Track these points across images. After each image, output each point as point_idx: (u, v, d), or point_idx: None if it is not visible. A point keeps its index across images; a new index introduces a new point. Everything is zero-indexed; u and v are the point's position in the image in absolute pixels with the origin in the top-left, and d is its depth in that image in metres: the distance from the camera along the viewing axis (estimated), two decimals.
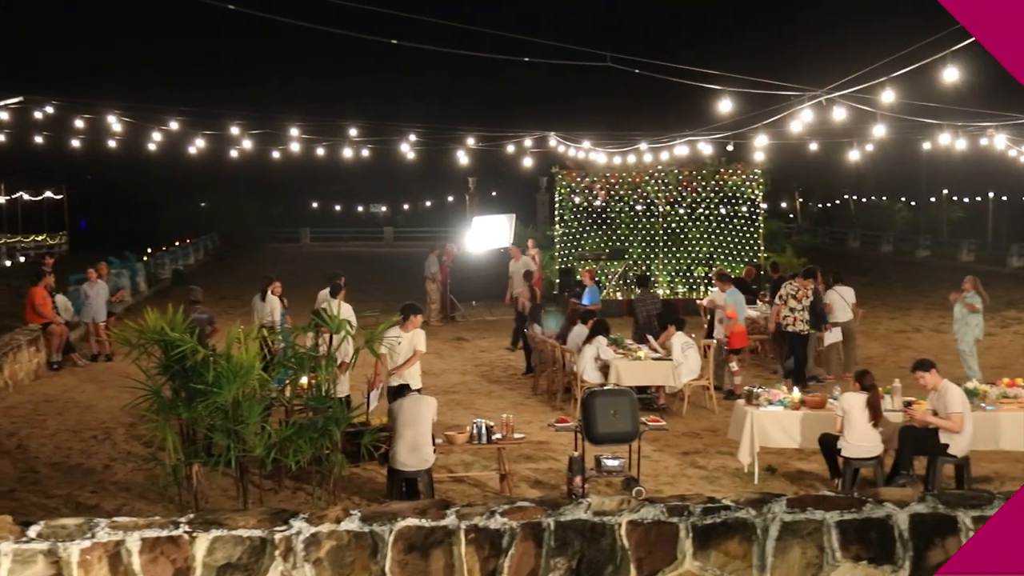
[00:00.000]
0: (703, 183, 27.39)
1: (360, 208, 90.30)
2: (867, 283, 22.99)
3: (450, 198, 73.67)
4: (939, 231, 60.13)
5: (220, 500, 10.51)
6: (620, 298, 26.91)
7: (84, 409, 15.38)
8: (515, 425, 11.52)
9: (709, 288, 17.76)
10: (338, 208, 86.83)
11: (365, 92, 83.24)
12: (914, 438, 10.71)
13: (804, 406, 11.53)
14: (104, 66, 74.10)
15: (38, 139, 27.02)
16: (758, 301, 20.17)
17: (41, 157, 40.40)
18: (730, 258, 26.83)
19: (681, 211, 27.55)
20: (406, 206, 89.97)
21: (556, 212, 28.20)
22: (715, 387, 15.71)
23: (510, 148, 30.65)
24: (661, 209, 27.52)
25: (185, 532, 4.07)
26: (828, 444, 10.89)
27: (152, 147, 26.66)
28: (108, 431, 13.84)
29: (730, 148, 28.40)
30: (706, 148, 27.01)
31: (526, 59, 21.70)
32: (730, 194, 27.41)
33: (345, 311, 13.64)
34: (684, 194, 27.51)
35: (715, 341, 16.04)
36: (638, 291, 18.87)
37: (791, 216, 72.24)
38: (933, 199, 68.37)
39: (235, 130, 26.41)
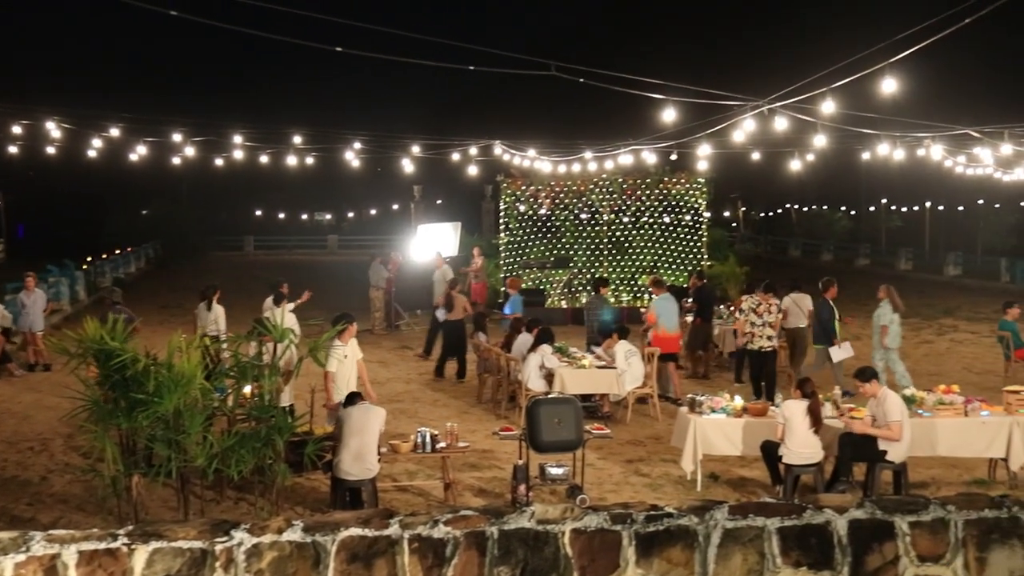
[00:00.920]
0: (647, 192, 27.58)
1: (304, 216, 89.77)
2: (808, 292, 23.23)
3: (395, 206, 73.51)
4: (878, 240, 61.10)
5: (160, 511, 10.38)
6: (565, 306, 27.01)
7: (20, 420, 15.11)
8: (460, 434, 11.50)
9: (652, 296, 17.89)
10: (282, 216, 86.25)
11: (310, 99, 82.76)
12: (853, 445, 10.85)
13: (746, 414, 11.63)
14: (41, 70, 73.06)
15: None
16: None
17: None
18: (674, 266, 27.03)
19: (625, 219, 27.72)
20: (351, 214, 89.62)
21: (501, 220, 28.24)
22: (659, 395, 15.82)
23: (455, 156, 30.64)
24: (606, 217, 27.67)
25: (123, 544, 4.01)
26: (770, 451, 11.00)
27: (93, 153, 26.30)
28: (45, 442, 13.61)
29: (674, 157, 28.60)
30: (650, 157, 27.21)
31: (471, 67, 21.73)
32: (674, 203, 27.63)
33: (289, 320, 13.54)
34: (628, 203, 27.68)
35: (657, 350, 16.11)
36: (592, 294, 18.89)
37: (734, 225, 73.03)
38: (872, 208, 69.47)
39: (178, 137, 26.13)
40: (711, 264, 28.51)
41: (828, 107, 18.92)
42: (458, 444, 11.23)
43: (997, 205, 57.99)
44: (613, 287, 27.30)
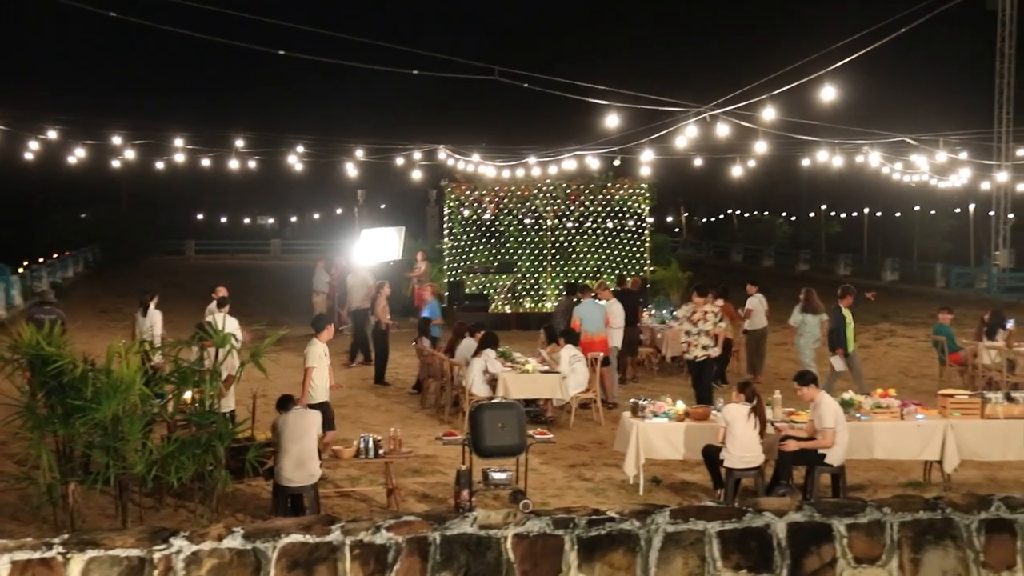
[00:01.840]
0: (591, 197, 27.70)
1: (247, 220, 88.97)
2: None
3: (339, 210, 73.08)
4: (818, 246, 61.91)
5: (98, 520, 10.22)
6: (509, 311, 27.05)
7: None
8: (403, 439, 11.47)
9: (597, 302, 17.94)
10: (224, 220, 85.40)
11: (252, 103, 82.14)
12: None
13: (688, 418, 11.71)
14: None
15: None
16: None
17: None
18: (617, 271, 27.17)
19: (569, 225, 27.82)
20: (294, 218, 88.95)
21: (445, 225, 28.21)
22: (602, 400, 15.89)
23: (399, 161, 30.60)
24: (549, 223, 27.75)
25: (59, 553, 3.95)
26: (711, 455, 11.08)
27: (29, 156, 25.88)
28: None
29: (617, 163, 28.84)
30: (594, 162, 27.40)
31: (415, 72, 21.73)
32: (617, 208, 27.77)
33: (230, 324, 13.42)
34: (572, 208, 27.78)
35: (600, 354, 16.16)
36: (563, 299, 18.91)
37: (676, 230, 73.55)
38: (812, 214, 70.37)
39: (117, 140, 25.81)
40: (653, 269, 28.71)
41: (769, 114, 19.19)
42: (401, 449, 11.20)
43: (932, 211, 59.06)
44: (557, 292, 27.38)
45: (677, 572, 4.20)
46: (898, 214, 65.65)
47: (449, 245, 27.77)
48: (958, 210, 56.38)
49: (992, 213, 38.37)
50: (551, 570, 4.18)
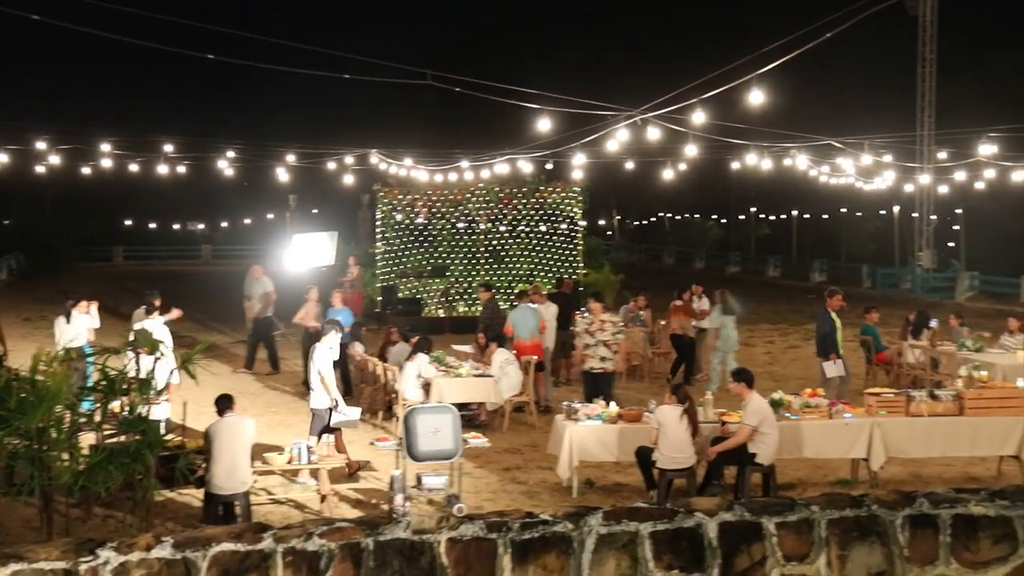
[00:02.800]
0: (523, 201, 27.76)
1: (177, 226, 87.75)
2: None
3: (270, 215, 72.36)
4: (748, 248, 62.70)
5: (22, 532, 10.01)
6: (442, 315, 27.01)
7: None
8: (336, 445, 11.40)
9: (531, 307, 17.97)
10: (153, 225, 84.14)
11: (181, 107, 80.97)
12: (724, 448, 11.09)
13: (621, 420, 11.78)
14: None
15: None
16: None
17: None
18: (550, 275, 27.25)
19: (502, 228, 27.85)
20: (224, 223, 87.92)
21: (378, 229, 28.08)
22: (536, 403, 15.93)
23: (331, 165, 30.42)
24: (482, 226, 27.76)
25: None
26: (644, 456, 11.17)
27: None
28: None
29: (549, 166, 28.95)
30: (526, 166, 27.47)
31: (346, 76, 21.63)
32: (550, 212, 27.86)
33: (160, 331, 13.24)
34: (505, 212, 27.82)
35: (534, 357, 16.19)
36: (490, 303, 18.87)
37: (609, 233, 74.02)
38: (742, 217, 71.25)
39: (41, 145, 25.32)
40: (586, 272, 28.85)
41: (699, 118, 19.38)
42: (335, 455, 11.13)
43: (859, 213, 60.13)
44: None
45: (610, 573, 4.23)
46: (825, 216, 66.73)
47: (382, 249, 27.65)
48: (883, 212, 57.49)
49: (915, 215, 39.16)
50: (485, 574, 4.19)
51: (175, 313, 16.25)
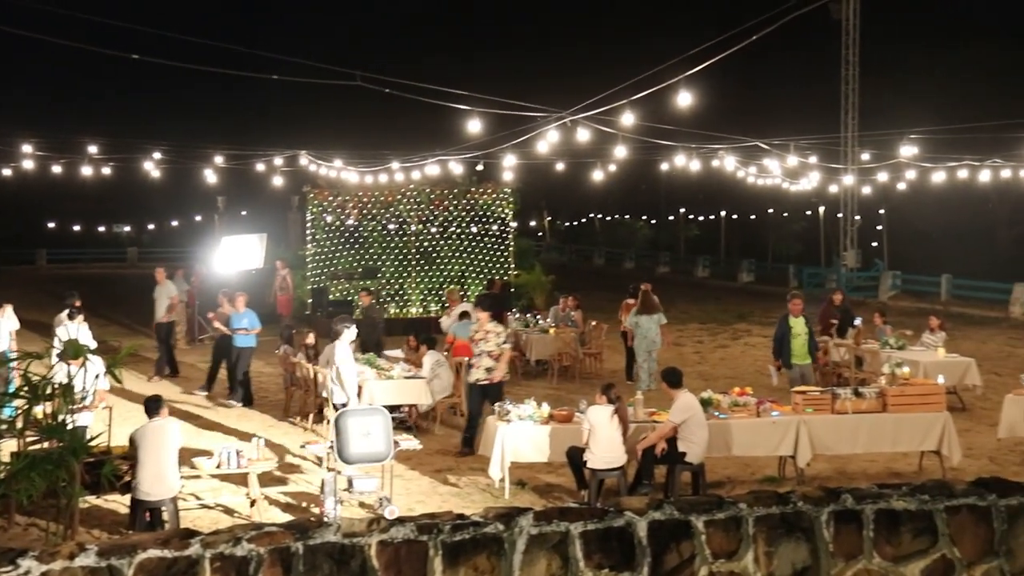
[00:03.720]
0: (454, 202, 27.76)
1: (102, 228, 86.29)
2: (613, 299, 23.92)
3: (198, 218, 71.48)
4: (677, 248, 63.33)
5: None
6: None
7: None
8: (266, 448, 11.30)
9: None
10: (78, 228, 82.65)
11: (106, 108, 79.68)
12: (654, 448, 11.18)
13: (552, 420, 11.83)
14: None
15: None
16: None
17: None
18: (482, 276, 27.29)
19: (433, 230, 27.83)
20: (151, 226, 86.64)
21: (308, 231, 27.89)
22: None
23: (260, 167, 30.13)
24: (413, 228, 27.70)
25: None
26: (575, 457, 11.22)
27: None
28: None
29: (480, 168, 28.98)
30: (457, 168, 27.47)
31: (275, 76, 21.44)
32: (481, 213, 27.90)
33: (84, 335, 13.02)
34: (436, 213, 27.80)
35: (466, 359, 16.15)
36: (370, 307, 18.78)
37: (540, 234, 74.25)
38: (671, 217, 71.91)
39: None
40: (517, 273, 28.92)
41: (628, 119, 19.53)
42: (264, 459, 11.03)
43: (785, 214, 61.02)
44: (421, 297, 27.38)
45: (541, 573, 4.25)
46: (753, 216, 67.60)
47: (312, 251, 27.46)
48: (809, 212, 58.39)
49: (840, 215, 39.85)
50: None
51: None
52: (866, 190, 38.15)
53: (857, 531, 4.54)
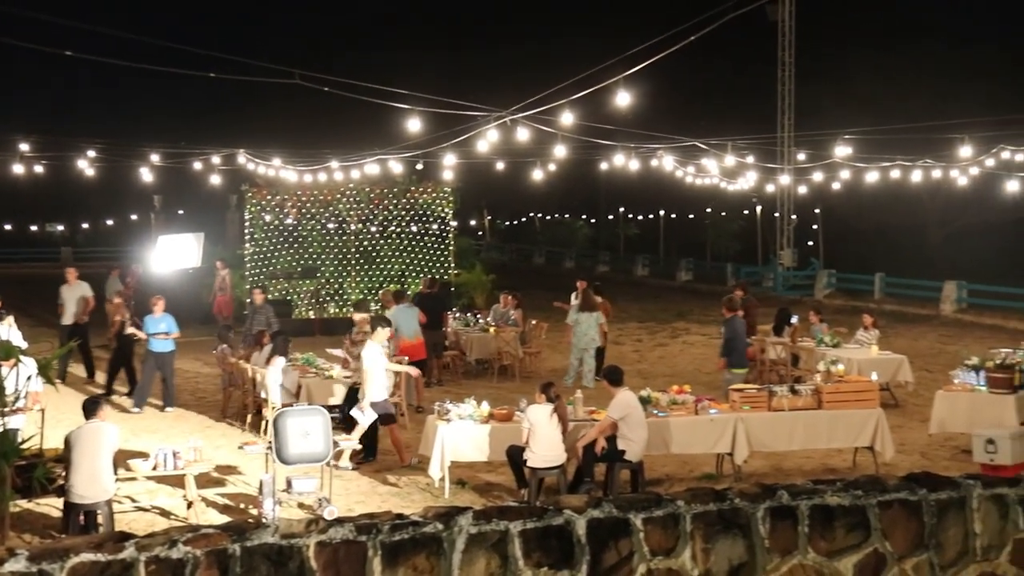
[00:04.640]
0: (394, 201, 27.68)
1: (35, 227, 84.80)
2: (553, 297, 23.99)
3: (134, 216, 70.46)
4: (617, 247, 63.67)
5: None
6: (312, 316, 26.73)
7: None
8: (203, 449, 11.18)
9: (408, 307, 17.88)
10: (9, 228, 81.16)
11: (38, 105, 78.30)
12: (594, 446, 11.24)
13: (492, 419, 11.84)
14: None
15: None
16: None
17: None
18: (422, 275, 27.21)
19: (373, 229, 27.72)
20: (85, 225, 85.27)
21: (246, 231, 27.62)
22: (408, 404, 15.86)
23: (197, 165, 29.75)
24: (353, 227, 27.58)
25: None
26: (515, 455, 11.24)
27: None
28: None
29: (420, 167, 28.88)
30: (397, 167, 27.35)
31: (212, 75, 21.20)
32: (421, 212, 27.85)
33: (14, 335, 12.79)
34: (376, 212, 27.69)
35: (406, 358, 16.09)
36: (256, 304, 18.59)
37: (480, 233, 74.24)
38: (611, 217, 72.25)
39: None
40: (458, 272, 28.90)
41: (567, 119, 19.59)
42: (201, 460, 10.91)
43: (723, 213, 61.57)
44: (361, 296, 27.22)
45: (480, 572, 4.26)
46: (692, 216, 68.12)
47: (251, 251, 27.20)
48: (747, 212, 58.98)
49: (777, 214, 40.31)
50: None
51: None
52: (802, 190, 38.62)
53: (792, 527, 4.60)
